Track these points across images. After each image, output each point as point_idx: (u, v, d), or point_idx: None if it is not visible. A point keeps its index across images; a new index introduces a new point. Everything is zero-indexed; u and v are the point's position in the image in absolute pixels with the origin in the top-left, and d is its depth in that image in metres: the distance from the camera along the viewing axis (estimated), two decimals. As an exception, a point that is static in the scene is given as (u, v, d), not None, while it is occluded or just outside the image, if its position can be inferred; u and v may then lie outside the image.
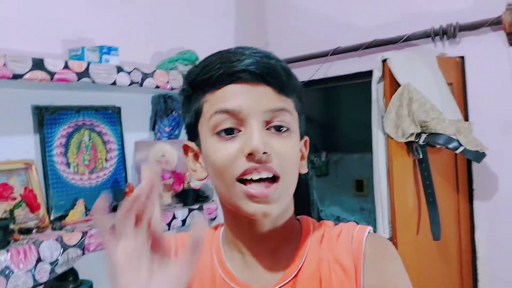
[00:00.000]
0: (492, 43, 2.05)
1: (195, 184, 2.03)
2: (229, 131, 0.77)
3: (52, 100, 1.79)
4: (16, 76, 1.46)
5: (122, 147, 2.01)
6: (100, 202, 0.62)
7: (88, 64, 1.65)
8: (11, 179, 1.60)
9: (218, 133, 0.78)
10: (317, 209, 3.69)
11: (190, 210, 1.97)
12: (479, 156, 1.88)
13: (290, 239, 0.86)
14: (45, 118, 1.75)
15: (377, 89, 1.97)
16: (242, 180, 0.76)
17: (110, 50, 1.79)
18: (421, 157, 1.89)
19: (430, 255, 2.00)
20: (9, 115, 1.68)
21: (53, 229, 1.60)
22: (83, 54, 1.71)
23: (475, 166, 2.12)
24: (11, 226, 1.46)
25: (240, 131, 0.77)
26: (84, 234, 1.56)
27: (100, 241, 0.56)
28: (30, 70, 1.49)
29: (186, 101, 0.85)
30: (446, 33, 2.12)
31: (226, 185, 0.78)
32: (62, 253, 1.48)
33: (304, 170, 0.87)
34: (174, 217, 1.89)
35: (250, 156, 0.74)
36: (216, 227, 0.95)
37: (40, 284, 1.46)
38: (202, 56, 2.19)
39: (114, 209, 1.91)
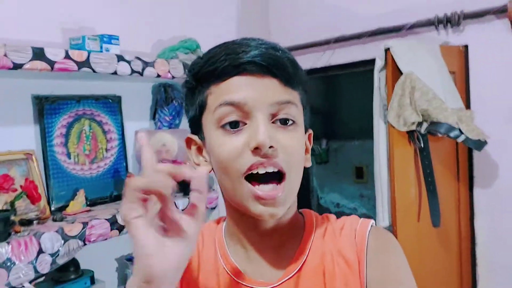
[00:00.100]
0: (496, 31, 2.03)
1: (195, 173, 2.02)
2: (234, 124, 0.76)
3: (52, 89, 1.78)
4: (17, 66, 1.45)
5: (123, 136, 2.00)
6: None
7: (89, 54, 1.63)
8: (11, 170, 1.59)
9: (223, 126, 0.76)
10: (317, 196, 3.70)
11: (191, 200, 1.96)
12: (480, 144, 1.88)
13: (293, 234, 0.86)
14: (45, 108, 1.73)
15: (379, 78, 1.96)
16: (248, 177, 0.75)
17: (110, 38, 1.77)
18: (422, 145, 1.89)
19: (430, 242, 2.01)
20: (9, 105, 1.67)
21: (54, 220, 1.59)
22: (84, 43, 1.69)
23: (475, 154, 2.12)
24: (12, 218, 1.46)
25: (245, 124, 0.76)
26: (85, 225, 1.55)
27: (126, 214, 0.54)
28: (30, 60, 1.47)
29: (189, 93, 0.84)
30: (450, 21, 2.10)
31: (231, 181, 0.77)
32: (63, 245, 1.48)
33: (309, 164, 0.86)
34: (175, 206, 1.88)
35: (256, 150, 0.73)
36: (218, 221, 0.94)
37: (42, 276, 1.46)
38: (203, 44, 2.20)
39: (114, 199, 1.90)
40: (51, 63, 1.52)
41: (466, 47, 2.12)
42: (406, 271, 0.82)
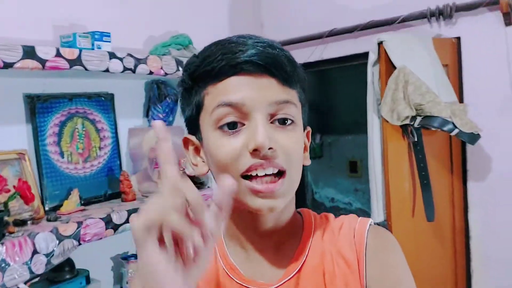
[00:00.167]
0: (488, 23, 2.03)
1: (190, 171, 2.02)
2: (233, 125, 0.75)
3: (44, 88, 1.76)
4: (7, 65, 1.42)
5: (116, 134, 1.99)
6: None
7: (80, 51, 1.62)
8: (4, 170, 1.57)
9: (221, 127, 0.75)
10: (311, 191, 3.70)
11: (186, 197, 1.96)
12: (474, 138, 1.89)
13: (292, 234, 0.86)
14: (37, 107, 1.72)
15: (372, 72, 1.96)
16: (247, 176, 0.74)
17: (102, 35, 1.75)
18: (416, 139, 1.89)
19: (425, 236, 2.02)
20: (0, 105, 1.65)
21: (48, 220, 1.58)
22: (75, 40, 1.67)
23: (469, 147, 2.13)
24: (6, 219, 1.45)
25: (243, 125, 0.75)
26: (80, 224, 1.54)
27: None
28: (21, 59, 1.45)
29: (185, 93, 0.82)
30: (442, 14, 2.10)
31: None
32: (58, 245, 1.47)
33: (308, 162, 0.85)
34: (170, 204, 1.88)
35: (255, 152, 0.72)
36: None
37: (37, 276, 1.45)
38: (195, 39, 2.18)
39: (109, 197, 1.89)
40: (42, 62, 1.51)
41: (458, 39, 2.12)
42: (405, 270, 0.82)
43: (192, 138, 0.84)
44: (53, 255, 1.46)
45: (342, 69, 2.68)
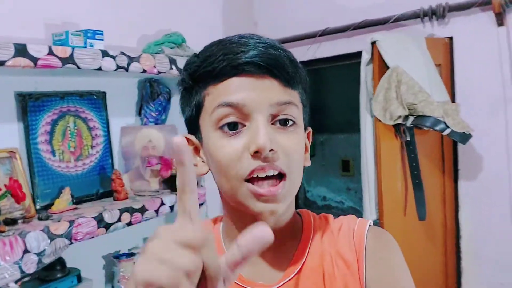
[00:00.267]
0: (481, 23, 2.04)
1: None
2: (233, 126, 0.74)
3: (35, 86, 1.75)
4: (-2, 64, 1.42)
5: (108, 133, 1.98)
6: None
7: (73, 49, 1.61)
8: (-5, 168, 1.56)
9: (221, 128, 0.74)
10: (303, 189, 3.70)
11: (178, 196, 1.95)
12: (466, 137, 1.90)
13: (292, 235, 0.85)
14: (29, 105, 1.71)
15: (365, 71, 1.97)
16: (248, 180, 0.74)
17: (95, 34, 1.74)
18: (408, 139, 1.90)
19: (416, 236, 2.03)
20: (-9, 103, 1.64)
21: (40, 218, 1.57)
22: (67, 38, 1.66)
23: (460, 147, 2.14)
24: (-3, 218, 1.44)
25: (244, 126, 0.74)
26: (71, 223, 1.53)
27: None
28: (12, 57, 1.44)
29: (185, 93, 0.82)
30: (435, 14, 2.10)
31: (230, 183, 0.75)
32: (49, 244, 1.46)
33: (308, 163, 0.84)
34: (162, 203, 1.88)
35: (256, 154, 0.72)
36: (215, 221, 0.92)
37: (28, 275, 1.44)
38: (188, 38, 2.17)
39: (100, 196, 1.88)
40: (34, 60, 1.50)
41: (451, 39, 2.13)
42: (405, 271, 0.82)
43: (192, 138, 0.83)
44: (44, 254, 1.45)
45: (335, 68, 2.67)
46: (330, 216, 0.90)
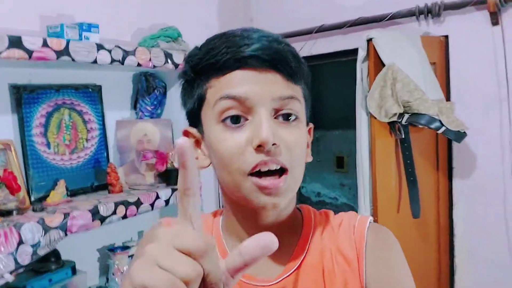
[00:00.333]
0: (476, 22, 2.05)
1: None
2: (236, 119, 0.74)
3: (30, 78, 1.74)
4: (-8, 55, 1.41)
5: (103, 126, 1.98)
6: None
7: (68, 42, 1.60)
8: (-11, 160, 1.56)
9: (223, 121, 0.74)
10: (298, 185, 3.71)
11: (174, 190, 1.96)
12: (460, 136, 1.91)
13: (292, 230, 0.85)
14: (24, 97, 1.70)
15: (361, 69, 1.97)
16: (250, 174, 0.73)
17: (90, 27, 1.73)
18: (403, 136, 1.90)
19: (410, 233, 2.03)
20: (-15, 95, 1.63)
21: (34, 210, 1.57)
22: (63, 31, 1.65)
23: (455, 145, 2.15)
24: (-9, 209, 1.44)
25: (247, 119, 0.74)
26: (66, 215, 1.53)
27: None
28: (7, 49, 1.44)
29: (187, 85, 0.81)
30: (431, 12, 2.11)
31: (233, 177, 0.75)
32: (44, 235, 1.46)
33: (309, 158, 0.84)
34: (157, 197, 1.88)
35: (259, 148, 0.71)
36: (214, 214, 0.92)
37: (22, 267, 1.44)
38: (184, 32, 2.16)
39: (95, 189, 1.87)
40: (29, 52, 1.49)
41: (446, 37, 2.14)
42: (405, 269, 0.82)
43: (193, 130, 0.82)
44: (39, 246, 1.45)
45: (331, 65, 2.68)
46: (331, 212, 0.90)
